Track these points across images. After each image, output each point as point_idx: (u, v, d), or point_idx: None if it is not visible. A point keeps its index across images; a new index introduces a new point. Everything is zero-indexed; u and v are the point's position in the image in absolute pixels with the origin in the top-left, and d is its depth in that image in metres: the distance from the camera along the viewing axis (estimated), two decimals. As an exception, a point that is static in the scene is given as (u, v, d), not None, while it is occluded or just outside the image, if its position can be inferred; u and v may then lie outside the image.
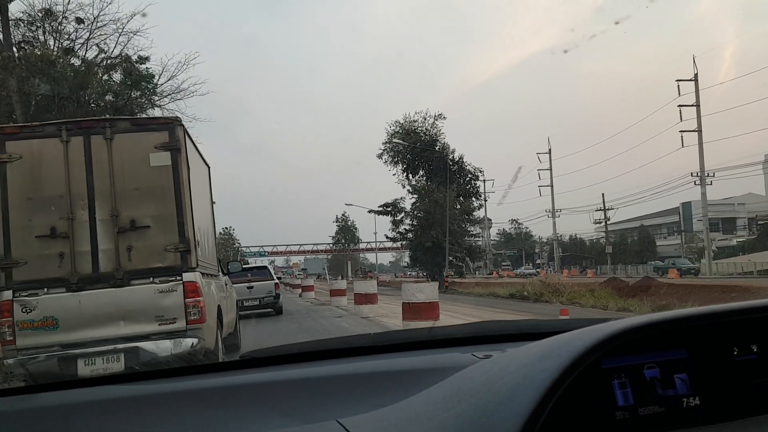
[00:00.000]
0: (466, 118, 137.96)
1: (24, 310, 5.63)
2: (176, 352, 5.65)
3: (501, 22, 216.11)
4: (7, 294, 5.67)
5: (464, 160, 40.91)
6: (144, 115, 18.50)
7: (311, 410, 1.12)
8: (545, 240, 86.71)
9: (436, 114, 41.45)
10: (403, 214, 40.42)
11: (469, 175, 40.98)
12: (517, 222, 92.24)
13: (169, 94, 20.61)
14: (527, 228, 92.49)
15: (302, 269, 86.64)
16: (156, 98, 20.65)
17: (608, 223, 64.47)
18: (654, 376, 0.96)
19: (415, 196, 39.45)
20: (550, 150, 62.18)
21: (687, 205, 66.85)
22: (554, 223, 63.95)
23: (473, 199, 41.40)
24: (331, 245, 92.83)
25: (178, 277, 5.83)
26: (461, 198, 39.42)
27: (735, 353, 1.02)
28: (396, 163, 41.64)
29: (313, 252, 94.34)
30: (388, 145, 41.51)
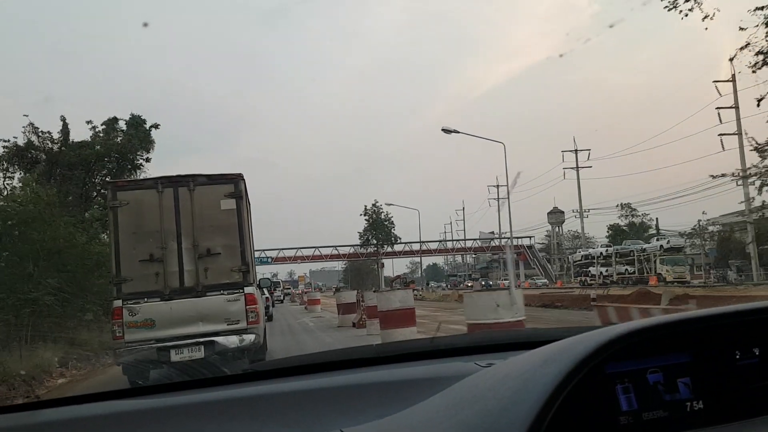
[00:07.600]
0: (464, 126, 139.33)
1: (130, 314, 7.83)
2: (240, 345, 7.82)
3: (498, 33, 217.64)
4: (118, 302, 7.88)
5: None
6: None
7: (315, 421, 1.13)
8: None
9: None
10: None
11: None
12: (630, 207, 62.94)
13: None
14: (646, 214, 62.59)
15: (307, 283, 74.08)
16: None
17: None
18: (657, 380, 0.96)
19: None
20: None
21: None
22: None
23: None
24: (358, 247, 63.94)
25: (241, 290, 8.01)
26: None
27: (737, 357, 1.02)
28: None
29: (332, 257, 73.73)
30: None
